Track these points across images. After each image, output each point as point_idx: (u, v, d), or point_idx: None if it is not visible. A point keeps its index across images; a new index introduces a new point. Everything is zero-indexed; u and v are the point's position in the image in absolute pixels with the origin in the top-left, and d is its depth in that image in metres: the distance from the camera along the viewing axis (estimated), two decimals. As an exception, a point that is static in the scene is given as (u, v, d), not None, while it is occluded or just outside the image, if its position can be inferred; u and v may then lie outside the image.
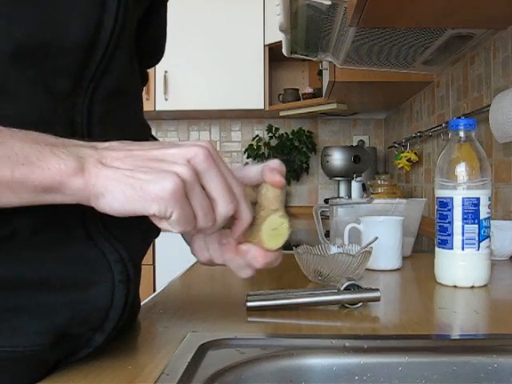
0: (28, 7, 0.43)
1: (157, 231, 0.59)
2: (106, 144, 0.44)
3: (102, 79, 0.49)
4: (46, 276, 0.46)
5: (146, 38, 0.64)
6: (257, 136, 3.16)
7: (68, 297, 0.47)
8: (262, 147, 3.14)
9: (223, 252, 0.54)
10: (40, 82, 0.45)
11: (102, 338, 0.51)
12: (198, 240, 0.55)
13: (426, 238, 1.54)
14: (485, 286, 0.86)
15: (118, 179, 0.41)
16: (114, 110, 0.52)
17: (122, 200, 0.41)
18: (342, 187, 2.80)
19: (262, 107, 2.85)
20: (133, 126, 0.58)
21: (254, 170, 0.53)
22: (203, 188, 0.44)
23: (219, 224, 0.46)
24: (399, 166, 2.33)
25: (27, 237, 0.45)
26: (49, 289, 0.46)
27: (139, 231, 0.54)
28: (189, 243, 0.58)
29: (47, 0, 0.45)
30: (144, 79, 0.68)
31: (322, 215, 1.24)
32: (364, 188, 2.62)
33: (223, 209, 0.45)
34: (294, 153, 3.10)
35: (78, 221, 0.48)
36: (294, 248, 0.92)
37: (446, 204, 0.86)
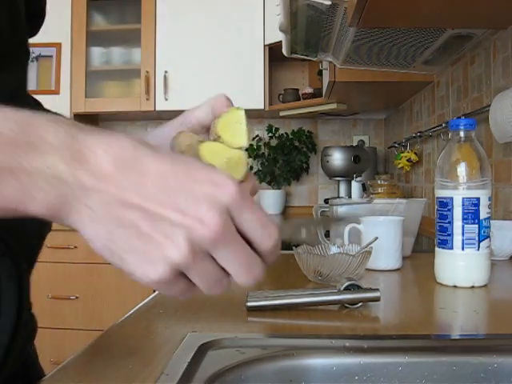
0: None
1: (50, 225, 0.49)
2: (93, 161, 0.32)
3: None
4: None
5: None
6: (257, 136, 3.16)
7: None
8: (262, 147, 3.14)
9: None
10: None
11: (5, 338, 0.41)
12: None
13: (426, 238, 1.54)
14: (485, 286, 0.86)
15: (100, 225, 0.32)
16: None
17: (103, 252, 0.33)
18: (342, 187, 2.80)
19: (262, 107, 2.85)
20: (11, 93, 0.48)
21: (201, 113, 0.45)
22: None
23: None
24: (399, 166, 2.33)
25: None
26: None
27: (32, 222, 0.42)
28: None
29: None
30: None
31: (322, 215, 1.24)
32: (364, 188, 2.62)
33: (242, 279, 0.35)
34: (294, 153, 3.10)
35: None
36: (293, 248, 0.93)
37: (446, 204, 0.86)
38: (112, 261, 0.33)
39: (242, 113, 0.46)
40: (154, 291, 0.81)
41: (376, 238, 0.93)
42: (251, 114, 3.03)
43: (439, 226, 0.87)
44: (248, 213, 0.33)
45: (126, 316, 0.69)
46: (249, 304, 0.70)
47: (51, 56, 2.88)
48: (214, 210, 0.32)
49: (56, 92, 2.88)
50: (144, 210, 0.32)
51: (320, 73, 2.55)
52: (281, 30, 1.57)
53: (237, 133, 0.45)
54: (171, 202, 0.32)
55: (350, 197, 2.71)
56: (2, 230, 0.41)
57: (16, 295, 0.42)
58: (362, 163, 2.71)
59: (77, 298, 2.46)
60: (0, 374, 0.42)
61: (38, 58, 2.86)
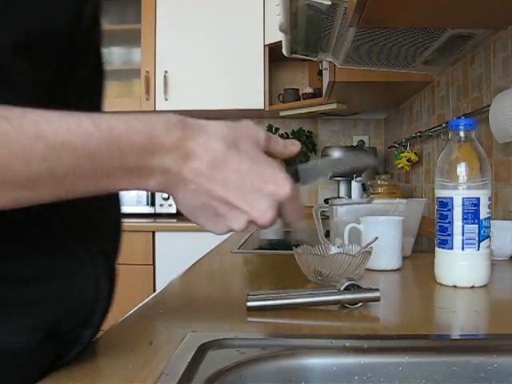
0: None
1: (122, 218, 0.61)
2: (193, 161, 0.45)
3: (76, 69, 0.49)
4: (31, 270, 0.46)
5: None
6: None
7: (54, 290, 0.47)
8: (262, 147, 3.14)
9: None
10: (31, 72, 0.44)
11: (90, 333, 0.51)
12: None
13: (426, 238, 1.54)
14: (485, 286, 0.86)
15: (199, 210, 0.48)
16: (84, 98, 0.52)
17: (187, 216, 0.49)
18: (342, 187, 2.80)
19: (262, 107, 2.85)
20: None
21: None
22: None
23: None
24: (399, 166, 2.33)
25: (8, 232, 0.45)
26: (34, 283, 0.46)
27: (113, 220, 0.57)
28: None
29: None
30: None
31: (322, 215, 1.24)
32: (364, 188, 2.61)
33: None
34: (294, 153, 3.10)
35: (55, 215, 0.47)
36: (294, 248, 0.93)
37: (446, 204, 0.86)
38: (192, 220, 0.49)
39: None
40: (154, 291, 0.80)
41: (376, 238, 0.93)
42: (251, 114, 3.04)
43: (439, 226, 0.87)
44: (291, 204, 0.49)
45: (125, 316, 0.69)
46: (249, 304, 0.70)
47: (51, 56, 2.87)
48: (272, 207, 0.47)
49: (56, 92, 2.88)
50: (224, 199, 0.46)
51: (320, 73, 2.55)
52: (281, 30, 1.57)
53: None
54: (244, 197, 0.46)
55: (350, 197, 2.71)
56: (101, 238, 0.51)
57: (109, 284, 0.51)
58: (362, 163, 2.70)
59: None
60: (85, 348, 0.51)
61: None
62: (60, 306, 0.47)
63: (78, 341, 0.50)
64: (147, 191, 0.60)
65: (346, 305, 0.71)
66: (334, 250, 0.96)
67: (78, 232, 0.49)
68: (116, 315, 0.70)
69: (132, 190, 0.45)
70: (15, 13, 0.42)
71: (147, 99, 2.83)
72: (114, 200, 0.57)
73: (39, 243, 0.47)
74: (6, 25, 0.41)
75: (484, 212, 0.84)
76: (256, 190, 0.47)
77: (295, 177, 0.57)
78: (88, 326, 0.50)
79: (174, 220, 2.63)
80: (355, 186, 2.67)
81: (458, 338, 0.61)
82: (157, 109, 2.85)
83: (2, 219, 0.43)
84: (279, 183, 0.47)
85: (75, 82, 0.49)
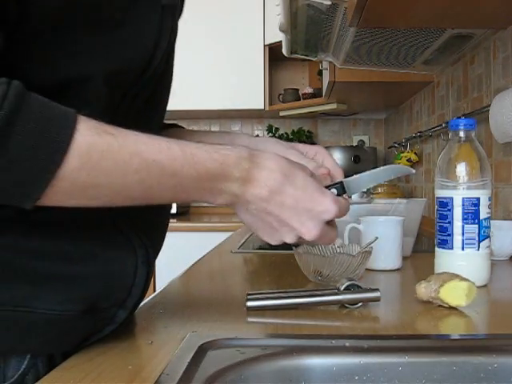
0: (116, 38, 0.53)
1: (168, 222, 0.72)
2: (254, 184, 0.55)
3: (141, 90, 0.58)
4: (80, 251, 0.54)
5: None
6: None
7: (97, 271, 0.55)
8: (262, 147, 3.14)
9: None
10: (107, 96, 0.53)
11: (125, 314, 0.58)
12: None
13: (426, 238, 1.54)
14: (485, 286, 0.86)
15: (252, 217, 0.58)
16: (140, 119, 0.59)
17: (249, 227, 0.60)
18: (342, 187, 2.79)
19: (262, 107, 2.85)
20: (156, 125, 0.67)
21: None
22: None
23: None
24: (399, 166, 2.33)
25: (66, 220, 0.53)
26: (81, 263, 0.54)
27: (159, 225, 0.67)
28: None
29: (128, 31, 0.54)
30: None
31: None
32: (364, 188, 2.61)
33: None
34: (294, 153, 3.10)
35: (107, 212, 0.54)
36: (293, 248, 0.92)
37: (446, 204, 0.86)
38: (253, 231, 0.60)
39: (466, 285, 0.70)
40: (154, 291, 0.81)
41: (376, 238, 0.93)
42: (251, 114, 3.04)
43: (439, 226, 0.87)
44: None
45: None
46: (249, 304, 0.70)
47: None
48: (318, 226, 0.57)
49: (56, 92, 2.88)
50: (279, 218, 0.57)
51: (320, 73, 2.55)
52: (281, 30, 1.57)
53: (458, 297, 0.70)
54: (296, 217, 0.57)
55: (350, 197, 2.71)
56: (141, 233, 0.59)
57: (145, 274, 0.58)
58: (362, 163, 2.71)
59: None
60: (119, 326, 0.58)
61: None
62: (101, 285, 0.55)
63: (113, 319, 0.58)
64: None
65: (346, 305, 0.71)
66: (333, 250, 0.96)
67: (123, 227, 0.57)
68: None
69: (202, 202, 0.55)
70: (107, 53, 0.52)
71: (147, 99, 2.83)
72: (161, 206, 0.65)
73: (90, 232, 0.55)
74: (99, 61, 0.52)
75: (484, 212, 0.84)
76: (306, 211, 0.57)
77: (342, 190, 0.64)
78: (123, 308, 0.58)
79: (174, 220, 2.63)
80: (355, 185, 2.67)
81: (457, 338, 0.61)
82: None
83: (62, 210, 0.49)
84: (327, 207, 0.57)
85: (135, 106, 0.58)
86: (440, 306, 0.71)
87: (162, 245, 0.68)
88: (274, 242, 0.60)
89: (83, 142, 0.45)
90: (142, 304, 0.75)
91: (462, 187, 0.84)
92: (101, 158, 0.46)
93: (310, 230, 0.57)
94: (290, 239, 0.59)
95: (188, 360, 0.50)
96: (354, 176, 0.67)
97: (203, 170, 0.51)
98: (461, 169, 0.84)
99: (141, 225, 0.60)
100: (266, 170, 0.55)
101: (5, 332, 0.52)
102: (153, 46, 0.56)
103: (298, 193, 0.56)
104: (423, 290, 0.73)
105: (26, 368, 0.54)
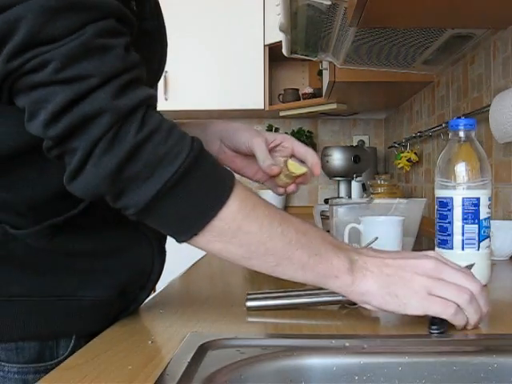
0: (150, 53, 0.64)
1: None
2: (364, 250, 0.60)
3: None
4: (112, 248, 0.65)
5: None
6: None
7: (125, 262, 0.65)
8: (262, 147, 3.14)
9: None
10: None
11: (145, 295, 0.70)
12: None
13: (426, 238, 1.54)
14: (485, 286, 0.86)
15: (378, 287, 0.57)
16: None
17: (379, 302, 0.58)
18: (342, 187, 2.80)
19: (262, 107, 2.85)
20: None
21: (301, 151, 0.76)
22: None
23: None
24: (399, 165, 2.33)
25: (100, 225, 0.63)
26: (113, 256, 0.64)
27: None
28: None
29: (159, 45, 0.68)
30: None
31: (322, 215, 1.24)
32: (364, 188, 2.61)
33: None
34: (294, 153, 3.10)
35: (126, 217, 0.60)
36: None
37: (446, 204, 0.85)
38: (388, 301, 0.58)
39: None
40: (154, 291, 0.81)
41: (376, 238, 0.93)
42: (251, 114, 3.04)
43: (439, 226, 0.87)
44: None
45: (126, 316, 0.69)
46: (249, 304, 0.70)
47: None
48: (430, 254, 0.62)
49: (56, 92, 2.87)
50: (398, 261, 0.59)
51: (320, 73, 2.55)
52: (281, 30, 1.57)
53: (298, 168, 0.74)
54: (409, 257, 0.60)
55: (350, 197, 2.71)
56: (156, 230, 0.61)
57: (160, 262, 0.70)
58: (362, 163, 2.71)
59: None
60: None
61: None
62: (128, 274, 0.66)
63: (136, 300, 0.69)
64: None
65: (346, 305, 0.71)
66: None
67: (139, 225, 0.62)
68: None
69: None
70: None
71: (147, 99, 2.83)
72: None
73: (117, 232, 0.65)
74: None
75: (484, 212, 0.84)
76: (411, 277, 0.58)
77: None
78: (144, 290, 0.69)
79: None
80: (355, 185, 2.67)
81: (457, 338, 0.61)
82: (157, 109, 2.85)
83: (97, 217, 0.62)
84: (431, 275, 0.58)
85: None
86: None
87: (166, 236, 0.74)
88: (426, 304, 0.57)
89: (242, 191, 0.55)
90: (142, 304, 0.75)
91: (461, 187, 0.84)
92: (254, 206, 0.56)
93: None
94: (422, 275, 0.58)
95: (188, 360, 0.50)
96: None
97: (328, 237, 0.60)
98: (461, 169, 0.84)
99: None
100: (368, 262, 0.59)
101: (58, 318, 0.61)
102: (163, 62, 0.69)
103: (393, 270, 0.59)
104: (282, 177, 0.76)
105: (72, 347, 0.63)
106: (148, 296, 0.70)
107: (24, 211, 0.59)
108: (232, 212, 0.54)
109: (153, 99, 0.55)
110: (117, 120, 0.49)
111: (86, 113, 0.48)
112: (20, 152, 0.56)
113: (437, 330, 0.58)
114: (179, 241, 0.56)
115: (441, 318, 0.58)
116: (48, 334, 0.62)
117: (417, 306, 0.57)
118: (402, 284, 0.57)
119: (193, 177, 0.53)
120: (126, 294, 0.66)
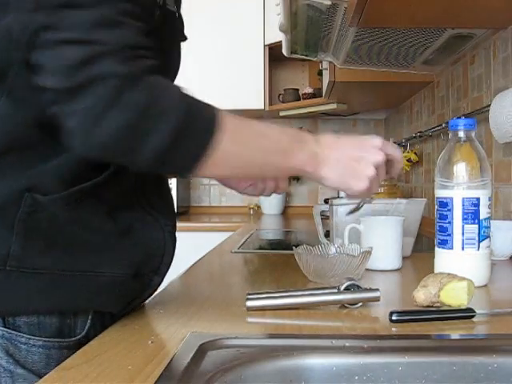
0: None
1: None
2: (323, 140, 0.73)
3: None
4: (126, 228, 0.68)
5: None
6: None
7: (140, 244, 0.69)
8: (262, 147, 3.14)
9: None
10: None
11: (159, 280, 0.73)
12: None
13: (426, 238, 1.54)
14: (485, 286, 0.86)
15: (334, 175, 0.70)
16: None
17: (334, 185, 0.71)
18: (342, 187, 2.79)
19: (262, 107, 2.85)
20: None
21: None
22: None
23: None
24: (399, 165, 2.33)
25: (113, 206, 0.67)
26: (128, 236, 0.68)
27: (172, 207, 0.78)
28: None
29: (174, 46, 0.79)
30: None
31: (322, 215, 1.24)
32: (364, 188, 2.61)
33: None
34: (294, 153, 3.10)
35: (144, 201, 0.71)
36: (294, 248, 0.93)
37: (446, 204, 0.86)
38: (339, 185, 0.72)
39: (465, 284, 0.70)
40: (155, 291, 0.81)
41: (363, 203, 0.90)
42: (251, 114, 3.03)
43: (439, 226, 0.87)
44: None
45: (126, 316, 0.69)
46: (249, 304, 0.70)
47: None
48: (379, 153, 0.72)
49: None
50: (354, 156, 0.71)
51: (320, 73, 2.55)
52: (281, 30, 1.57)
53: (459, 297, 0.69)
54: (364, 149, 0.72)
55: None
56: (166, 216, 0.73)
57: (171, 246, 0.73)
58: (362, 163, 2.70)
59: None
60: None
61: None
62: (142, 253, 0.70)
63: (149, 285, 0.72)
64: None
65: (346, 305, 0.71)
66: (333, 250, 0.96)
67: (151, 210, 0.71)
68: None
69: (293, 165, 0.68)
70: None
71: (147, 99, 2.83)
72: (170, 195, 0.81)
73: (130, 213, 0.69)
74: None
75: (484, 212, 0.84)
76: (367, 146, 0.73)
77: None
78: (158, 274, 0.72)
79: (174, 220, 2.63)
80: (355, 186, 2.67)
81: (457, 338, 0.61)
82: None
83: (112, 197, 0.67)
84: (374, 139, 0.73)
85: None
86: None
87: (176, 221, 0.78)
88: (362, 184, 0.70)
89: (228, 121, 0.64)
90: (142, 304, 0.75)
91: (461, 187, 0.84)
92: (240, 131, 0.65)
93: (375, 155, 0.71)
94: (370, 171, 0.70)
95: (188, 360, 0.50)
96: None
97: (291, 131, 0.70)
98: (461, 169, 0.84)
99: (164, 209, 0.74)
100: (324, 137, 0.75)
101: (79, 292, 0.65)
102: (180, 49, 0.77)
103: (353, 139, 0.74)
104: (422, 296, 0.71)
105: (89, 325, 0.66)
106: (162, 281, 0.73)
107: (52, 179, 0.62)
108: (223, 141, 0.62)
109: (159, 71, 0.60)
110: (123, 82, 0.55)
111: (101, 71, 0.54)
112: (45, 122, 0.59)
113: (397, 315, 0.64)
114: (182, 177, 0.64)
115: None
116: (68, 308, 0.65)
117: (358, 189, 0.71)
118: (352, 176, 0.70)
119: (188, 127, 0.62)
120: (140, 275, 0.69)
